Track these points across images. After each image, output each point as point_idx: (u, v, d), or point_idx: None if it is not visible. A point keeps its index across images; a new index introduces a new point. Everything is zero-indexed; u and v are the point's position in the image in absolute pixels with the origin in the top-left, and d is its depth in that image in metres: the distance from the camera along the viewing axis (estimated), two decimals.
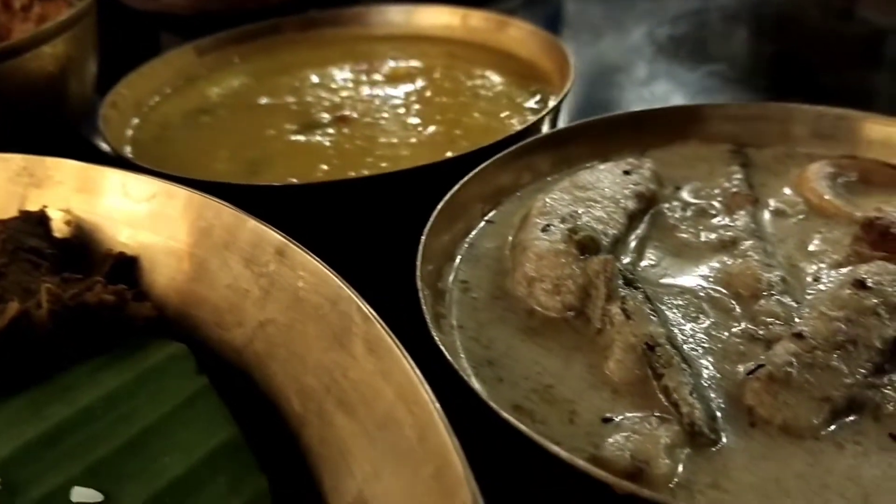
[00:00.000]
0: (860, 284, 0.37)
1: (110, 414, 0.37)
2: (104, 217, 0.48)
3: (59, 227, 0.49)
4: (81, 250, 0.49)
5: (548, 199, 0.46)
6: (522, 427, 0.31)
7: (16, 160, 0.52)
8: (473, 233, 0.48)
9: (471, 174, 0.47)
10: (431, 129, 0.60)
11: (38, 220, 0.49)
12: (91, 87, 0.70)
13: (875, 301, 0.37)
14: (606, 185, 0.47)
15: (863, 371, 0.35)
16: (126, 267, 0.47)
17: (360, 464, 0.33)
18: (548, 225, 0.44)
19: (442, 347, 0.35)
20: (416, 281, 0.39)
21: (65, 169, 0.50)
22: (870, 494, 0.31)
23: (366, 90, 0.67)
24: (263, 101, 0.66)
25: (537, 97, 0.64)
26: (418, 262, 0.40)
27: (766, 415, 0.34)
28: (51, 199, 0.50)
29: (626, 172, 0.49)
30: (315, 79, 0.69)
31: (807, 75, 0.79)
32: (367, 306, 0.35)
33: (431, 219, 0.43)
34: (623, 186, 0.48)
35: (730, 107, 0.54)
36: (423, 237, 0.42)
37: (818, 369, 0.35)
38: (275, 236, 0.40)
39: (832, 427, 0.34)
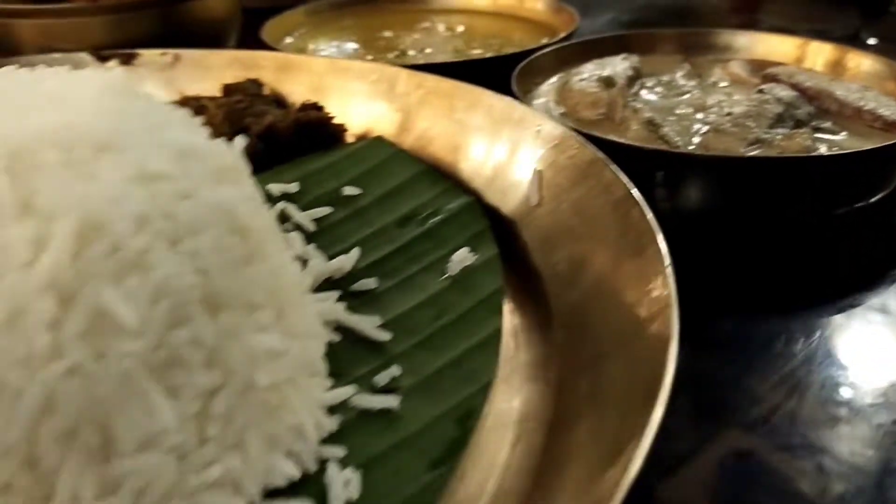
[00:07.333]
0: (760, 91, 0.69)
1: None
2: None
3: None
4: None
5: (583, 68, 0.78)
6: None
7: (227, 54, 0.80)
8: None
9: (529, 57, 0.78)
10: (479, 51, 0.91)
11: (258, 83, 0.77)
12: None
13: (768, 97, 0.68)
14: (606, 61, 0.79)
15: (767, 124, 0.66)
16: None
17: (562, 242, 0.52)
18: (582, 78, 0.75)
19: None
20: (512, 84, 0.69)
21: (268, 57, 0.79)
22: None
23: None
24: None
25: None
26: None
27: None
28: (258, 76, 0.77)
29: (623, 57, 0.80)
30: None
31: None
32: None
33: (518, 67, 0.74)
34: (621, 66, 0.79)
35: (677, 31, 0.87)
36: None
37: (738, 125, 0.66)
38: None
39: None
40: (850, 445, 0.44)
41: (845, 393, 0.48)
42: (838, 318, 0.55)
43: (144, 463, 0.31)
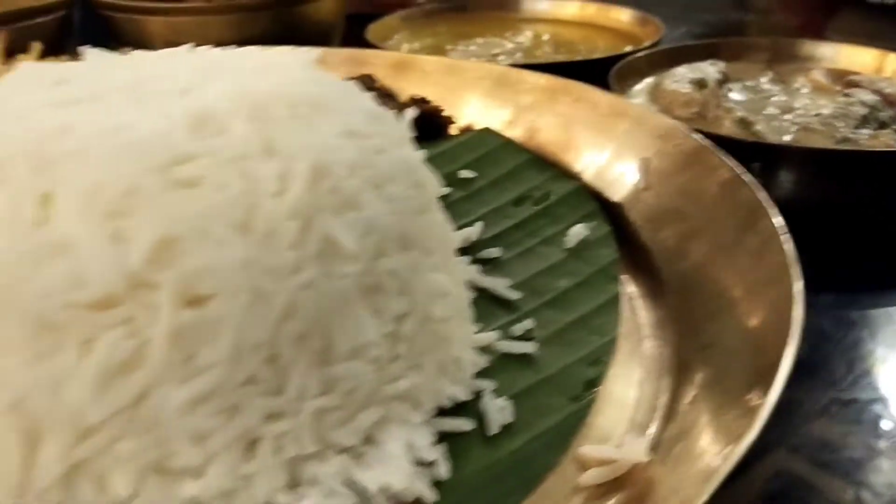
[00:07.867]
0: (846, 95, 0.74)
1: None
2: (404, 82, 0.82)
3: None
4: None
5: (674, 71, 0.83)
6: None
7: (342, 52, 0.87)
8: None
9: (626, 59, 0.83)
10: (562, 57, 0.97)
11: (371, 78, 0.83)
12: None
13: (853, 100, 0.73)
14: (695, 65, 0.84)
15: (853, 125, 0.70)
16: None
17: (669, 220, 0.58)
18: (675, 80, 0.80)
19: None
20: (610, 80, 0.74)
21: (380, 56, 0.85)
22: None
23: None
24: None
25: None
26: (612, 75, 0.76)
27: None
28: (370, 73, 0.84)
29: (711, 62, 0.85)
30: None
31: None
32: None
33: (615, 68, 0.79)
34: (710, 70, 0.84)
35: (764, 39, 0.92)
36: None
37: (826, 124, 0.70)
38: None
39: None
40: None
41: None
42: None
43: (354, 369, 0.37)
